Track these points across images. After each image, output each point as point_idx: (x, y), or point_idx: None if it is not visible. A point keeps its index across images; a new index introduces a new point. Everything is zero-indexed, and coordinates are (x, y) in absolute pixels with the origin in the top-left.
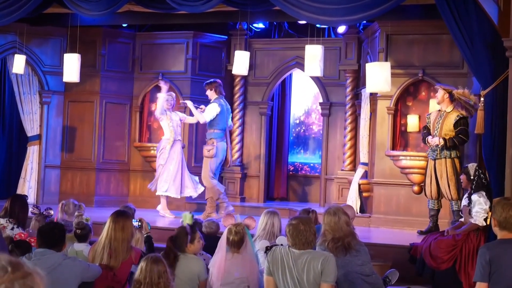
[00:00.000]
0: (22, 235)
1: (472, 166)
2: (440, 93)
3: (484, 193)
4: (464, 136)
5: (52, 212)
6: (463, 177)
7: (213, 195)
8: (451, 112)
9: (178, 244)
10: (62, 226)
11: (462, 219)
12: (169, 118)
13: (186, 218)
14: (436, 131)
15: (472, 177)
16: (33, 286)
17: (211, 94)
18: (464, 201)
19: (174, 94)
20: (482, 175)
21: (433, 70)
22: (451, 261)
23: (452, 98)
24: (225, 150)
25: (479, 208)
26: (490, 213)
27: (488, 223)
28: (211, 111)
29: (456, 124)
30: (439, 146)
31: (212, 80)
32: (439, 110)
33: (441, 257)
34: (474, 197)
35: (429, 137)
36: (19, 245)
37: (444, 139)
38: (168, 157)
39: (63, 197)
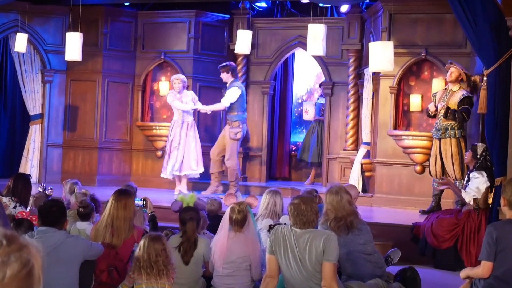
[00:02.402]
0: (24, 214)
1: (481, 146)
2: (456, 73)
3: (485, 173)
4: (466, 114)
5: (51, 190)
6: (468, 154)
7: (230, 175)
8: (457, 91)
9: (197, 228)
10: (61, 203)
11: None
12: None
13: (191, 199)
14: (441, 109)
15: (478, 156)
16: (30, 258)
17: (226, 77)
18: (466, 179)
19: (185, 78)
20: (488, 157)
21: (436, 49)
22: (453, 240)
23: (468, 84)
24: (246, 130)
25: (474, 186)
26: (491, 195)
27: (478, 203)
28: (232, 95)
29: (460, 103)
30: (434, 112)
31: (226, 63)
32: (445, 89)
33: (442, 235)
34: (474, 174)
35: (430, 104)
36: (21, 223)
37: (448, 107)
38: (185, 140)
39: (65, 176)
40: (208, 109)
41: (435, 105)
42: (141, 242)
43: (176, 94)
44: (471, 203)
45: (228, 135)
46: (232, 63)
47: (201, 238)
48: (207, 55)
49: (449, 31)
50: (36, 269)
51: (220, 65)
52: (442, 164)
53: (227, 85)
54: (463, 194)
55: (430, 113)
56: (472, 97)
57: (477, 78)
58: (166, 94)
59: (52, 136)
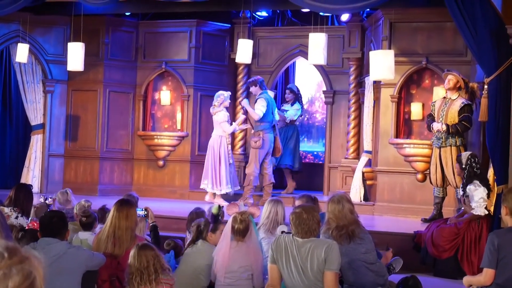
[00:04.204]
0: (35, 224)
1: (465, 155)
2: (453, 80)
3: (478, 182)
4: (467, 123)
5: (52, 200)
6: (457, 166)
7: (246, 180)
8: (456, 99)
9: (201, 231)
10: (62, 214)
11: (463, 208)
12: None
13: (213, 209)
14: (441, 119)
15: (464, 166)
16: (31, 270)
17: (255, 90)
18: (460, 191)
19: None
20: (474, 164)
21: (436, 58)
22: (453, 250)
23: (466, 90)
24: (272, 141)
25: (478, 198)
26: (488, 201)
27: (488, 210)
28: (260, 106)
29: (460, 111)
30: (442, 132)
31: (253, 78)
32: (444, 98)
33: (442, 245)
34: (470, 188)
35: (434, 123)
36: (24, 234)
37: (447, 125)
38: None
39: (67, 186)
40: (249, 110)
41: (433, 114)
42: (131, 253)
43: (225, 113)
44: (487, 212)
45: (250, 143)
46: (259, 77)
47: (212, 247)
48: (208, 64)
49: (450, 39)
50: (38, 280)
51: (248, 81)
52: (442, 172)
53: (256, 96)
54: (475, 212)
55: (435, 132)
56: (471, 105)
57: (475, 85)
58: (167, 103)
59: (53, 146)
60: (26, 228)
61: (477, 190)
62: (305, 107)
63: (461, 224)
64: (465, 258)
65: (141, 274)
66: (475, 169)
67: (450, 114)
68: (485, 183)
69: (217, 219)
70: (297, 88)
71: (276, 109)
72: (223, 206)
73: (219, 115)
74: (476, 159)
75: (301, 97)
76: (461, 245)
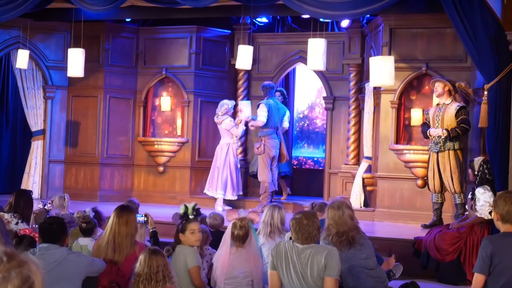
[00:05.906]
0: (27, 231)
1: (477, 161)
2: (441, 85)
3: (488, 187)
4: (466, 125)
5: (50, 205)
6: (469, 171)
7: (261, 188)
8: (450, 103)
9: (175, 235)
10: (61, 220)
11: (467, 212)
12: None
13: (180, 209)
14: (437, 125)
15: (476, 172)
16: (30, 274)
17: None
18: (469, 195)
19: (233, 102)
20: (486, 170)
21: (436, 64)
22: (456, 253)
23: (455, 91)
24: (277, 147)
25: (484, 201)
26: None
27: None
28: (261, 112)
29: (457, 114)
30: (442, 138)
31: (263, 84)
32: (437, 104)
33: (445, 249)
34: (479, 190)
35: (431, 129)
36: (22, 240)
37: (447, 130)
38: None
39: (67, 192)
40: (254, 123)
41: (428, 123)
42: (141, 257)
43: (230, 119)
44: (491, 217)
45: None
46: (269, 82)
47: (184, 248)
48: (208, 70)
49: (450, 45)
50: (37, 285)
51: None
52: (440, 178)
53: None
54: (478, 214)
55: (433, 138)
56: (467, 107)
57: (462, 84)
58: (168, 109)
59: (54, 152)
60: (19, 234)
61: (485, 193)
62: (305, 113)
63: (464, 228)
64: (467, 262)
65: (149, 279)
66: (487, 176)
67: (446, 119)
68: (494, 189)
69: (183, 219)
70: (285, 92)
71: (288, 114)
72: (196, 204)
73: (226, 123)
74: (488, 165)
75: (287, 100)
76: (463, 249)
